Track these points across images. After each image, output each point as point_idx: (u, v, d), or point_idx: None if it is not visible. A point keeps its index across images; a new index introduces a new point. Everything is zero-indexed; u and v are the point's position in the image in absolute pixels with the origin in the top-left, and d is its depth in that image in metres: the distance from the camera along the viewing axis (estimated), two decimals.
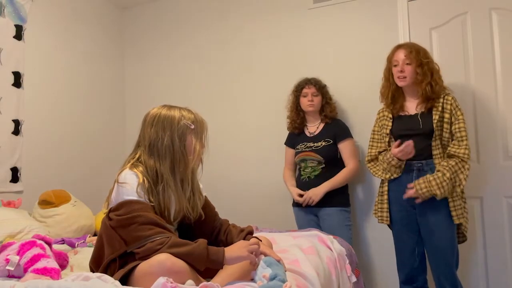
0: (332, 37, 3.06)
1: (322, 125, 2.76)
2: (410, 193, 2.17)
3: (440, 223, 2.17)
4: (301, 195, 2.66)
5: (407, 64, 2.25)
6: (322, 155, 2.67)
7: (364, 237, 2.89)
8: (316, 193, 2.61)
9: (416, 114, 2.29)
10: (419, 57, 2.24)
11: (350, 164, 2.67)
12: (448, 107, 2.21)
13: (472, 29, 2.65)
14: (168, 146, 1.52)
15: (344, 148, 2.69)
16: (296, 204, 2.80)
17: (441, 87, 2.25)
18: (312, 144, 2.72)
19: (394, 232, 2.38)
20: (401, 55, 2.27)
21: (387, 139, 2.35)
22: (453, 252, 2.19)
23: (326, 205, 2.64)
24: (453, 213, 2.15)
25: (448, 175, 2.12)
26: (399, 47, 2.32)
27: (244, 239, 1.59)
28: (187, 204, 1.58)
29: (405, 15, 2.82)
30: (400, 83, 2.30)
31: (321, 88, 2.75)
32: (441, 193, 2.11)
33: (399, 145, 2.19)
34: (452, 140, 2.21)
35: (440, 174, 2.13)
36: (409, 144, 2.14)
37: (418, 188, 2.14)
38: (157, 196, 1.49)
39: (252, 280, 1.41)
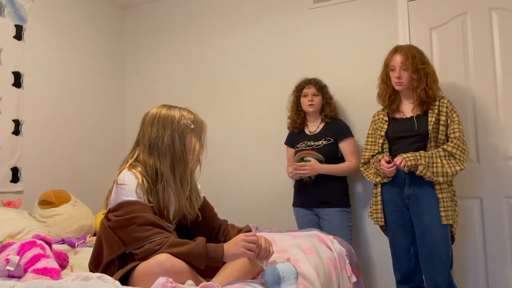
0: (332, 37, 3.06)
1: (322, 125, 2.77)
2: (397, 162, 2.19)
3: (434, 223, 2.19)
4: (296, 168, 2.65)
5: (404, 70, 2.29)
6: (322, 154, 2.67)
7: (364, 237, 2.89)
8: (313, 168, 2.60)
9: (412, 117, 2.32)
10: (415, 63, 2.27)
11: (352, 161, 2.68)
12: (444, 109, 2.25)
13: (472, 29, 2.65)
14: (169, 145, 1.52)
15: (345, 146, 2.69)
16: (296, 204, 2.80)
17: (435, 91, 2.27)
18: (312, 143, 2.72)
19: (389, 232, 2.40)
20: (397, 61, 2.30)
21: (381, 141, 2.37)
22: (447, 251, 2.20)
23: (327, 206, 2.64)
24: (442, 214, 2.17)
25: (430, 153, 2.18)
26: (395, 51, 2.34)
27: None
28: (186, 203, 1.58)
29: (405, 15, 2.82)
30: (397, 88, 2.35)
31: (321, 88, 2.75)
32: (422, 165, 2.15)
33: (387, 161, 2.25)
34: (447, 142, 2.24)
35: (423, 152, 2.19)
36: (397, 160, 2.19)
37: (404, 156, 2.18)
38: (157, 195, 1.49)
39: (253, 278, 1.41)
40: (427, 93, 2.25)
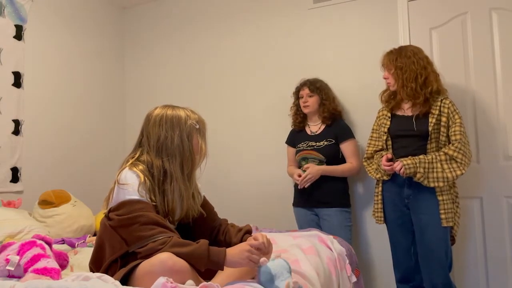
0: (332, 37, 3.06)
1: (323, 125, 2.77)
2: (397, 168, 2.19)
3: (432, 223, 2.19)
4: (300, 176, 2.64)
5: (388, 71, 2.36)
6: (323, 154, 2.67)
7: (364, 237, 2.89)
8: (313, 171, 2.60)
9: (412, 116, 2.31)
10: (389, 63, 2.33)
11: (353, 162, 2.68)
12: (446, 110, 2.24)
13: (472, 29, 2.65)
14: (178, 146, 1.52)
15: (346, 148, 2.69)
16: (296, 204, 2.80)
17: (415, 88, 2.24)
18: (314, 143, 2.72)
19: (389, 232, 2.41)
20: (382, 63, 2.40)
21: (384, 138, 2.37)
22: (446, 252, 2.20)
23: (327, 206, 2.64)
24: (442, 216, 2.17)
25: (429, 157, 2.17)
26: (384, 55, 2.40)
27: (242, 238, 1.59)
28: (192, 202, 1.58)
29: (405, 15, 2.82)
30: (391, 89, 2.39)
31: (316, 89, 2.75)
32: (420, 172, 2.15)
33: (388, 160, 2.26)
34: (449, 144, 2.23)
35: (423, 157, 2.18)
36: (396, 166, 2.19)
37: (404, 163, 2.18)
38: (163, 195, 1.50)
39: (253, 278, 1.41)
40: (406, 91, 2.26)
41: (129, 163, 1.52)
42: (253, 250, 1.34)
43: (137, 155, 1.55)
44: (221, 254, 1.33)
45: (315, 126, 2.80)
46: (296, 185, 2.81)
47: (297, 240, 1.97)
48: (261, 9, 3.32)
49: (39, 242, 1.60)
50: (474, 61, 2.63)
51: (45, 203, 2.59)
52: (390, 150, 2.36)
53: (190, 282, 1.26)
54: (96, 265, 1.50)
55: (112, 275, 1.37)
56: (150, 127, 1.56)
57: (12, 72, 2.81)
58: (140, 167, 1.50)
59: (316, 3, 3.11)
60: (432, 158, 2.17)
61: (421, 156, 2.19)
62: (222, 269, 1.37)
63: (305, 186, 2.62)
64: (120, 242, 1.42)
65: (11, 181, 2.76)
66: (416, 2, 2.81)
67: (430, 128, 2.23)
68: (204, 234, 1.63)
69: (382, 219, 2.38)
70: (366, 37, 2.94)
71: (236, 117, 3.36)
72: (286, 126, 2.97)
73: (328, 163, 2.66)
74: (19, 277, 1.51)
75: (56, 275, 1.49)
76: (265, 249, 1.37)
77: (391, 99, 2.41)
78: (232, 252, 1.35)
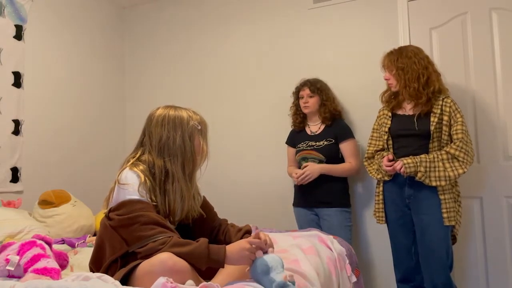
0: (332, 37, 3.06)
1: (323, 125, 2.77)
2: (397, 167, 2.19)
3: (433, 223, 2.19)
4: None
5: (389, 72, 2.35)
6: (323, 154, 2.67)
7: (364, 237, 2.89)
8: (312, 168, 2.61)
9: (413, 115, 2.31)
10: (391, 63, 2.32)
11: (352, 162, 2.68)
12: (447, 109, 2.23)
13: (472, 29, 2.65)
14: (180, 146, 1.53)
15: (345, 147, 2.69)
16: (296, 204, 2.80)
17: (420, 90, 2.24)
18: (314, 143, 2.72)
19: (390, 231, 2.41)
20: (383, 64, 2.39)
21: (385, 137, 2.37)
22: (447, 252, 2.19)
23: (327, 206, 2.64)
24: (444, 215, 2.17)
25: (431, 156, 2.17)
26: (385, 56, 2.39)
27: (241, 238, 1.59)
28: (193, 203, 1.58)
29: (405, 15, 2.83)
30: (392, 90, 2.38)
31: (316, 90, 2.75)
32: (421, 171, 2.15)
33: (389, 160, 2.26)
34: (451, 142, 2.23)
35: (424, 156, 2.18)
36: (397, 165, 2.20)
37: (405, 162, 2.18)
38: (164, 195, 1.50)
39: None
40: (408, 91, 2.26)
41: (129, 163, 1.53)
42: (252, 248, 1.34)
43: (138, 155, 1.55)
44: (221, 252, 1.33)
45: (315, 126, 2.80)
46: (296, 185, 2.81)
47: (297, 240, 1.97)
48: (261, 9, 3.32)
49: (39, 242, 1.60)
50: (474, 61, 2.64)
51: (45, 203, 2.59)
52: (391, 150, 2.36)
53: (190, 282, 1.26)
54: (96, 265, 1.50)
55: (112, 275, 1.37)
56: (152, 127, 1.56)
57: (12, 72, 2.81)
58: (141, 167, 1.50)
59: (316, 3, 3.11)
60: (434, 157, 2.17)
61: (422, 156, 2.19)
62: (223, 267, 1.37)
63: (303, 184, 2.62)
64: (120, 242, 1.42)
65: (11, 181, 2.76)
66: (416, 2, 2.81)
67: (432, 128, 2.23)
68: (204, 234, 1.63)
69: (383, 219, 2.38)
70: (366, 37, 2.94)
71: (236, 117, 3.37)
72: (286, 126, 2.97)
73: (328, 163, 2.66)
74: (19, 277, 1.51)
75: (56, 275, 1.49)
76: (265, 248, 1.37)
77: (392, 100, 2.41)
78: (232, 249, 1.35)
